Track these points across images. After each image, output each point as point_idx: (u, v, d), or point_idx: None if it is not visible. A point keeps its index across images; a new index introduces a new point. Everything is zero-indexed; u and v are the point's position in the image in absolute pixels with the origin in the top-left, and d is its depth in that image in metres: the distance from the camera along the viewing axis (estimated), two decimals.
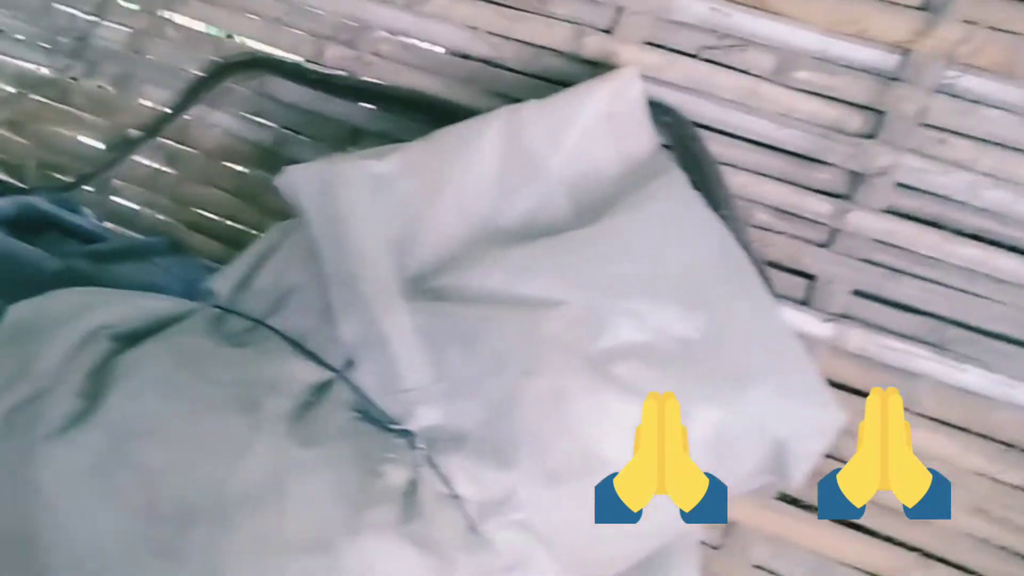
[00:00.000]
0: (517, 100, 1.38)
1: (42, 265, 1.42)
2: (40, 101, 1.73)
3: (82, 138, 1.72)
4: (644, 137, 1.31)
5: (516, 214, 1.24)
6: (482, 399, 1.08)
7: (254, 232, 1.60)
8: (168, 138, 1.64)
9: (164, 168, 1.65)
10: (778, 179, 1.30)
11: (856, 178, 1.27)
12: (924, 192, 1.24)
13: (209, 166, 1.62)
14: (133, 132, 1.66)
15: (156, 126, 1.62)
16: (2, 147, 1.75)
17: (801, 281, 1.29)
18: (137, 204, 1.66)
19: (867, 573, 1.27)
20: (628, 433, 1.10)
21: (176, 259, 1.51)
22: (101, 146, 1.70)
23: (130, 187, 1.66)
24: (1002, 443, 1.22)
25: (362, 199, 1.17)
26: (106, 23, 1.68)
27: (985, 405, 1.23)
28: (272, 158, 1.58)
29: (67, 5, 1.72)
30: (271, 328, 1.16)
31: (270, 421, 1.03)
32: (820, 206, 1.28)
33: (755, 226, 1.29)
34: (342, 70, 1.53)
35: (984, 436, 1.23)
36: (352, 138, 1.53)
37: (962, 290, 1.23)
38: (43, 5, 1.72)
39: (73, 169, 1.70)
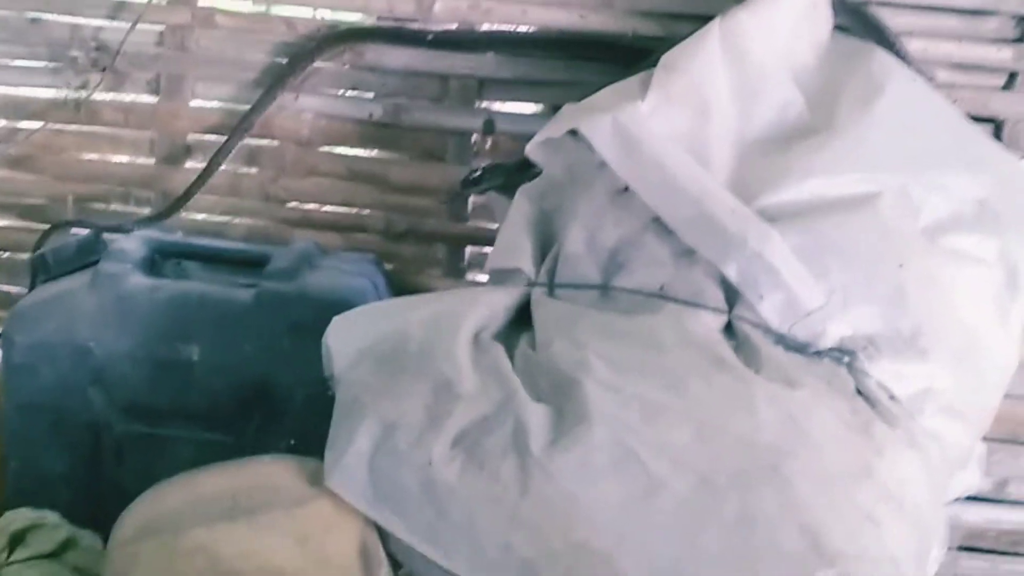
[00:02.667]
0: (662, 15, 1.38)
1: (232, 299, 1.29)
2: (54, 129, 1.52)
3: (119, 158, 1.53)
4: (826, 22, 1.34)
5: (762, 121, 1.24)
6: (874, 300, 1.10)
7: (376, 212, 1.50)
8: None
9: (244, 169, 1.50)
10: (952, 37, 1.36)
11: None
12: None
13: (306, 155, 1.49)
14: (194, 138, 1.50)
15: (242, 125, 1.46)
16: (20, 189, 1.53)
17: (989, 127, 1.37)
18: (221, 215, 1.51)
19: None
20: (980, 299, 1.17)
21: (335, 257, 1.40)
22: (149, 162, 1.52)
23: (206, 197, 1.50)
24: None
25: (663, 141, 1.15)
26: (127, 25, 1.47)
27: None
28: (385, 131, 1.48)
29: (68, 14, 1.49)
30: (624, 289, 1.12)
31: (744, 372, 1.01)
32: (997, 54, 1.36)
33: (939, 85, 1.35)
34: (456, 23, 1.44)
35: None
36: (480, 91, 1.46)
37: None
38: (32, 20, 1.49)
39: (116, 195, 1.53)
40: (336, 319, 1.13)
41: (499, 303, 1.10)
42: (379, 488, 1.00)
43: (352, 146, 1.50)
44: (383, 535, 1.03)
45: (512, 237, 1.19)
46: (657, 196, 1.11)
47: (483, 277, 1.50)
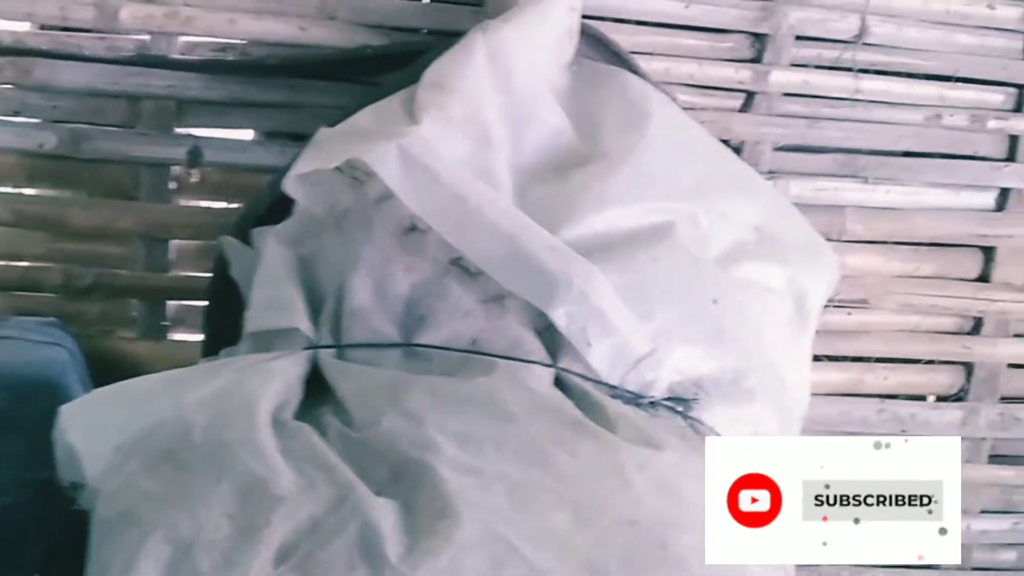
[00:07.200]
0: (392, 29, 1.24)
1: None
2: None
3: None
4: (572, 45, 1.24)
5: (533, 147, 1.13)
6: (697, 340, 1.02)
7: (52, 264, 1.23)
8: None
9: None
10: (693, 56, 1.31)
11: (760, 40, 1.32)
12: (822, 40, 1.33)
13: None
14: None
15: None
16: None
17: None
18: None
19: (827, 394, 1.40)
20: (778, 332, 1.11)
21: (9, 324, 1.12)
22: None
23: None
24: (917, 244, 1.40)
25: (459, 169, 1.00)
26: None
27: (901, 216, 1.39)
28: (60, 164, 1.21)
29: None
30: (430, 347, 0.95)
31: (605, 436, 0.88)
32: (735, 74, 1.32)
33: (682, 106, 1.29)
34: (149, 33, 1.20)
35: (902, 243, 1.39)
36: (180, 114, 1.22)
37: (868, 121, 1.36)
38: None
39: None
40: (68, 408, 0.89)
41: (292, 373, 0.89)
42: None
43: (18, 184, 1.21)
44: None
45: (276, 291, 0.99)
46: (461, 234, 0.96)
47: (190, 337, 1.26)
